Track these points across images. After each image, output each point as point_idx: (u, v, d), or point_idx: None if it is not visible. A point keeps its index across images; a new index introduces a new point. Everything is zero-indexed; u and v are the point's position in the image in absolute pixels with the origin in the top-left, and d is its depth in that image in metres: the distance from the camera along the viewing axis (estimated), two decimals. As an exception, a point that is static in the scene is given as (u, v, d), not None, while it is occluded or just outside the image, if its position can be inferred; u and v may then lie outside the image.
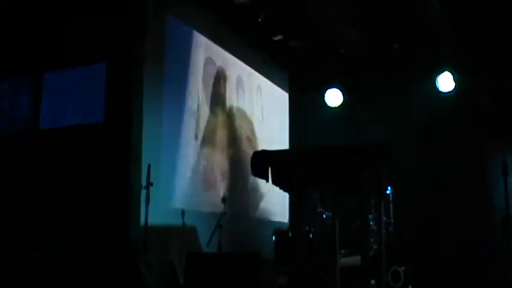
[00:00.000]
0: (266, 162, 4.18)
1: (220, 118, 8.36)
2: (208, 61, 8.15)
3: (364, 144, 4.32)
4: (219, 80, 8.42)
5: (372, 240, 6.81)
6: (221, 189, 7.91)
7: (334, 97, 9.35)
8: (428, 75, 8.59)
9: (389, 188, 7.35)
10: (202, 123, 7.89)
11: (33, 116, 6.71)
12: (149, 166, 6.10)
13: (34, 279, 5.62)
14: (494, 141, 7.98)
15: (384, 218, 6.92)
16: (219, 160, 8.20)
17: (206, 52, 8.09)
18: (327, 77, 9.42)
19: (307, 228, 7.11)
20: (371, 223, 6.75)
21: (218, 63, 8.40)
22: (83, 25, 6.49)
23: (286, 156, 4.43)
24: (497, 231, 7.70)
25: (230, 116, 8.64)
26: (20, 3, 6.89)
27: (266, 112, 9.68)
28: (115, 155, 6.13)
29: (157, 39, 6.83)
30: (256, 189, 8.94)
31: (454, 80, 8.37)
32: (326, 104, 9.40)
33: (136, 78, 6.28)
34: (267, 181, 4.19)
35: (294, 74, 10.49)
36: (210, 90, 8.13)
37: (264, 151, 4.55)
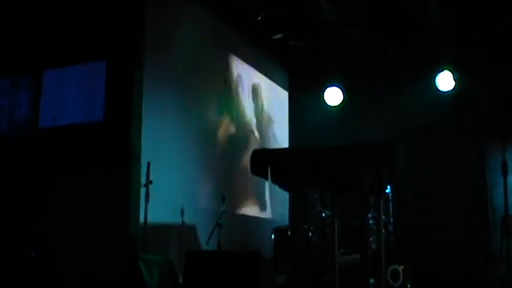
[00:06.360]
0: (266, 161, 4.17)
1: (220, 117, 8.35)
2: (208, 60, 8.14)
3: (364, 143, 4.31)
4: (219, 78, 8.41)
5: (371, 239, 6.81)
6: (221, 187, 7.89)
7: (333, 96, 9.33)
8: (428, 75, 8.57)
9: (388, 187, 7.33)
10: (202, 122, 7.89)
11: (32, 114, 6.71)
12: (149, 164, 6.11)
13: (33, 277, 5.62)
14: (494, 140, 7.97)
15: (383, 217, 6.91)
16: (219, 158, 8.19)
17: (206, 51, 8.08)
18: (327, 75, 9.40)
19: (306, 227, 7.11)
20: (370, 222, 6.74)
21: (218, 62, 8.39)
22: (82, 23, 6.49)
23: (286, 155, 4.42)
24: (497, 231, 7.70)
25: (230, 114, 8.63)
26: (19, 1, 6.88)
27: (265, 110, 9.67)
28: (114, 153, 6.14)
29: (157, 38, 6.82)
30: (255, 187, 8.93)
31: (454, 79, 8.34)
32: (326, 103, 9.37)
33: (136, 77, 6.28)
34: (267, 179, 4.18)
35: (293, 72, 10.47)
36: (209, 88, 8.12)
37: (263, 149, 4.56)
